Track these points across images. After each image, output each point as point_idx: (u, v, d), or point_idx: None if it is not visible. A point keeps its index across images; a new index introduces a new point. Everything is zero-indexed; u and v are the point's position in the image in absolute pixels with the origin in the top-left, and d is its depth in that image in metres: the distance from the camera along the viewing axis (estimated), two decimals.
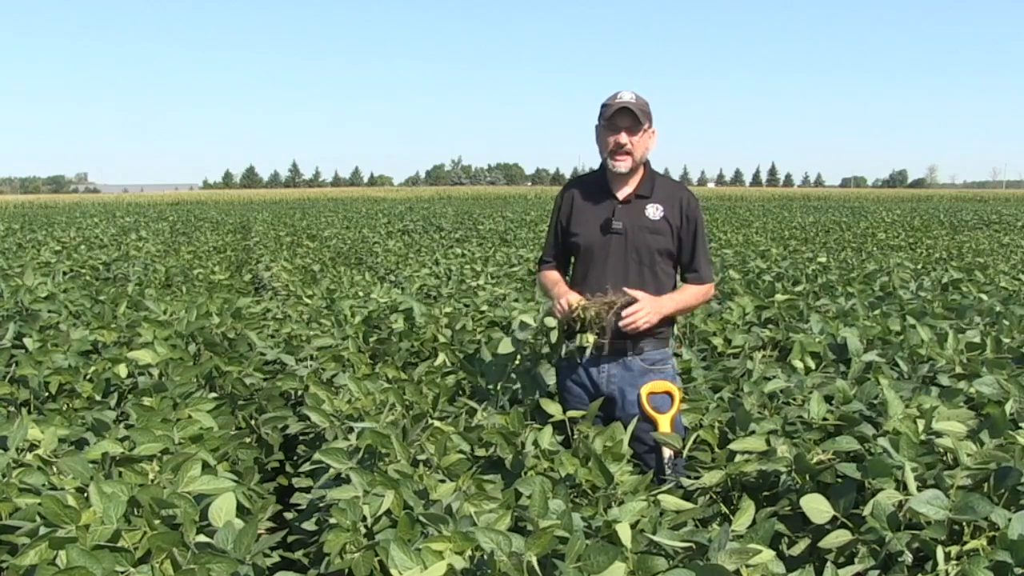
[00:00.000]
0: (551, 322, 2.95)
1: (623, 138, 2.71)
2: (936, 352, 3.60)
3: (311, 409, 2.97)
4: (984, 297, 5.85)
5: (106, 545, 1.78)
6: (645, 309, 2.67)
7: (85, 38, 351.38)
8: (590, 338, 2.73)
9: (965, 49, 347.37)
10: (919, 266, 9.11)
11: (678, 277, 2.92)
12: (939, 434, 2.28)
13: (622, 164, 2.74)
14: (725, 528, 1.76)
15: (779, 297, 5.19)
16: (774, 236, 15.71)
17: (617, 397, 2.79)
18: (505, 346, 3.30)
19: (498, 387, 3.18)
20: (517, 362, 3.26)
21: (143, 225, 20.61)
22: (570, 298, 2.74)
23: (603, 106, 2.75)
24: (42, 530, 1.85)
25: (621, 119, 2.70)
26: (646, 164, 2.84)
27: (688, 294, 2.85)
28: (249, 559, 1.80)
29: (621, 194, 2.80)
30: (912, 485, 1.98)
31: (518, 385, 3.19)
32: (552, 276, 2.96)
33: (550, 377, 3.19)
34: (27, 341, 3.80)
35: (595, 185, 2.86)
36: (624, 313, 2.66)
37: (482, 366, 3.43)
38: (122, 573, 1.73)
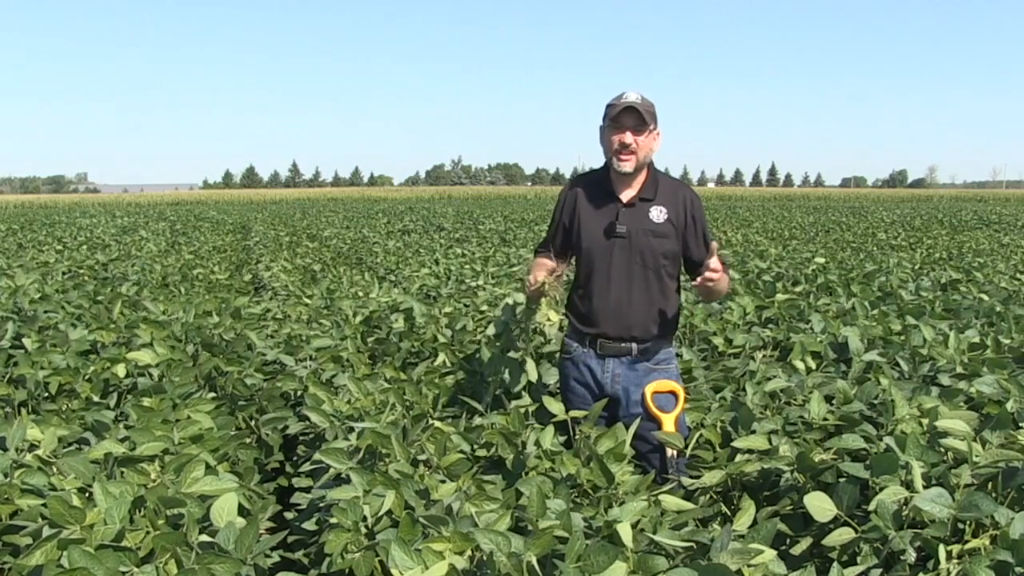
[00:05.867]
0: (520, 297, 2.96)
1: (628, 137, 2.69)
2: (937, 352, 3.60)
3: (311, 409, 2.97)
4: (985, 297, 5.86)
5: (110, 545, 1.78)
6: (721, 274, 2.64)
7: (85, 38, 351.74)
8: (553, 316, 2.72)
9: (965, 49, 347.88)
10: (918, 266, 9.11)
11: (682, 279, 2.92)
12: (943, 433, 2.27)
13: (627, 164, 2.72)
14: (727, 528, 1.76)
15: (780, 297, 5.19)
16: (774, 236, 15.71)
17: (622, 397, 2.78)
18: (491, 328, 3.31)
19: (491, 379, 3.17)
20: (509, 352, 3.25)
21: (143, 225, 20.60)
22: (537, 274, 2.74)
23: (608, 106, 2.73)
24: (46, 530, 1.85)
25: (627, 118, 2.69)
26: (649, 166, 2.82)
27: (727, 278, 2.84)
28: (251, 559, 1.79)
29: (624, 196, 2.79)
30: (919, 483, 1.98)
31: (513, 377, 3.17)
32: (540, 260, 2.95)
33: (551, 376, 3.18)
34: (26, 341, 3.80)
35: (599, 186, 2.84)
36: (707, 274, 2.61)
37: (481, 364, 3.43)
38: (125, 573, 1.73)
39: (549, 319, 2.73)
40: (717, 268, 2.62)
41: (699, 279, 2.66)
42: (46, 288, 5.81)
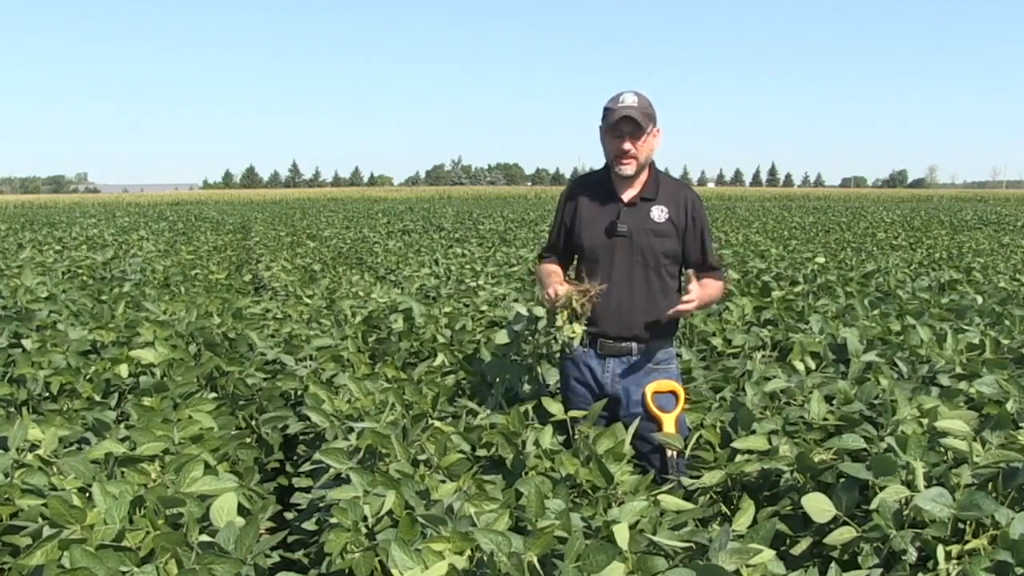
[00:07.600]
0: (539, 311, 2.95)
1: (627, 144, 2.69)
2: (936, 352, 3.60)
3: (311, 409, 2.97)
4: (979, 299, 5.86)
5: (110, 545, 1.78)
6: (695, 301, 2.68)
7: (85, 38, 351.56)
8: (577, 329, 2.70)
9: (965, 49, 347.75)
10: (912, 267, 9.11)
11: (682, 279, 2.92)
12: (943, 433, 2.28)
13: (627, 168, 2.73)
14: (726, 528, 1.76)
15: (776, 294, 5.19)
16: (774, 236, 15.71)
17: (622, 397, 2.79)
18: (502, 337, 3.31)
19: (496, 381, 3.17)
20: (516, 357, 3.25)
21: (143, 225, 20.60)
22: (558, 288, 2.73)
23: (606, 109, 2.72)
24: (46, 530, 1.85)
25: (624, 125, 2.68)
26: (651, 165, 2.82)
27: (713, 288, 2.87)
28: (251, 559, 1.79)
29: (626, 196, 2.79)
30: (920, 483, 1.98)
31: (519, 381, 3.17)
32: (548, 268, 2.94)
33: (551, 376, 3.18)
34: (25, 342, 3.80)
35: (600, 186, 2.85)
36: (679, 307, 2.67)
37: (482, 365, 3.43)
38: (126, 573, 1.73)
39: (575, 332, 2.71)
40: (691, 299, 2.65)
41: (671, 311, 2.70)
42: (49, 288, 5.81)
